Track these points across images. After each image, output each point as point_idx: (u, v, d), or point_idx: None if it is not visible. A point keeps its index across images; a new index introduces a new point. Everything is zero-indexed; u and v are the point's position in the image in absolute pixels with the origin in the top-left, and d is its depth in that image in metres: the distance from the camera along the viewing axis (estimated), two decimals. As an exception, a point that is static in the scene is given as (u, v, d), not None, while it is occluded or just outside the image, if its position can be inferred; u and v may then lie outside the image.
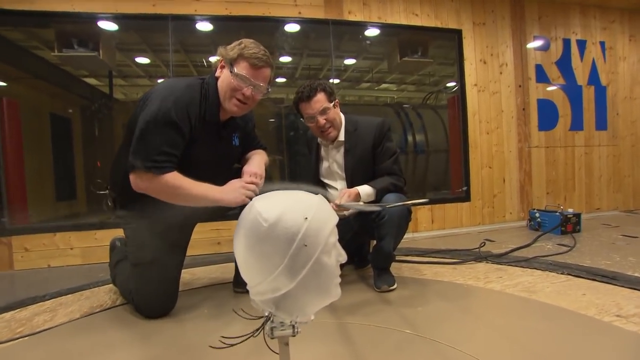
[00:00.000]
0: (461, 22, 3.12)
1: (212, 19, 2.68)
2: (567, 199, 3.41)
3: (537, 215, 2.73)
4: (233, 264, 2.28)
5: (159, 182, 1.17)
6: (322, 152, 1.78)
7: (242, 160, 1.52)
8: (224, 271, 2.02)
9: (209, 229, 2.54)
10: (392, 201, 1.50)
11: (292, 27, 2.99)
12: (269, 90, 1.32)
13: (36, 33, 3.26)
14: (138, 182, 1.19)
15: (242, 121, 1.45)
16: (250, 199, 0.95)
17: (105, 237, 2.30)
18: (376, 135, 1.64)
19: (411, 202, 1.47)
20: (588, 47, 3.52)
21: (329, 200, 1.71)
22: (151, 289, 1.32)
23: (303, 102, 1.58)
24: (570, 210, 2.64)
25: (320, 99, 1.56)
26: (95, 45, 2.62)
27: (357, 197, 1.52)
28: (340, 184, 1.73)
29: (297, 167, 3.86)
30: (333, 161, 1.73)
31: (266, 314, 0.57)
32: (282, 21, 2.86)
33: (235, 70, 1.23)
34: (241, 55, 1.24)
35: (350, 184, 1.65)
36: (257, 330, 0.58)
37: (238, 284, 1.63)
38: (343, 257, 0.60)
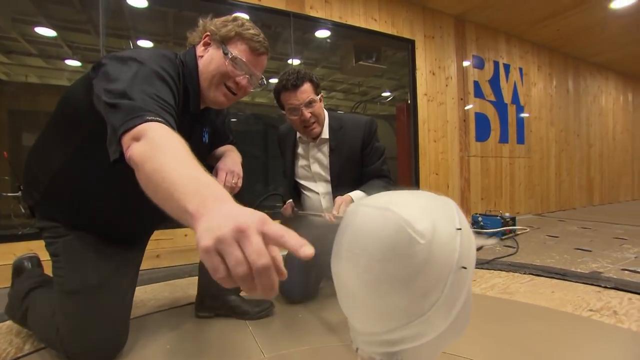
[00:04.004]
0: (414, 33, 3.24)
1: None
2: (496, 204, 3.79)
3: (480, 219, 2.94)
4: (183, 280, 1.92)
5: (139, 132, 0.65)
6: (300, 150, 1.59)
7: (210, 158, 1.25)
8: (172, 290, 1.67)
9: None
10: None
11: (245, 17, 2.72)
12: (264, 82, 1.09)
13: None
14: (133, 152, 0.64)
15: (214, 113, 1.19)
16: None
17: (7, 254, 1.73)
18: (365, 134, 1.52)
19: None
20: (511, 71, 4.00)
21: (307, 208, 1.55)
22: (95, 324, 0.96)
23: (287, 91, 1.38)
24: (507, 214, 2.91)
25: (306, 90, 1.38)
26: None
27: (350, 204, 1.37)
28: (321, 186, 1.55)
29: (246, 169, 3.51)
30: (314, 160, 1.55)
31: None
32: (238, 6, 2.57)
33: (232, 53, 0.99)
34: (239, 35, 1.00)
35: (336, 186, 1.49)
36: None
37: (202, 308, 1.32)
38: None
